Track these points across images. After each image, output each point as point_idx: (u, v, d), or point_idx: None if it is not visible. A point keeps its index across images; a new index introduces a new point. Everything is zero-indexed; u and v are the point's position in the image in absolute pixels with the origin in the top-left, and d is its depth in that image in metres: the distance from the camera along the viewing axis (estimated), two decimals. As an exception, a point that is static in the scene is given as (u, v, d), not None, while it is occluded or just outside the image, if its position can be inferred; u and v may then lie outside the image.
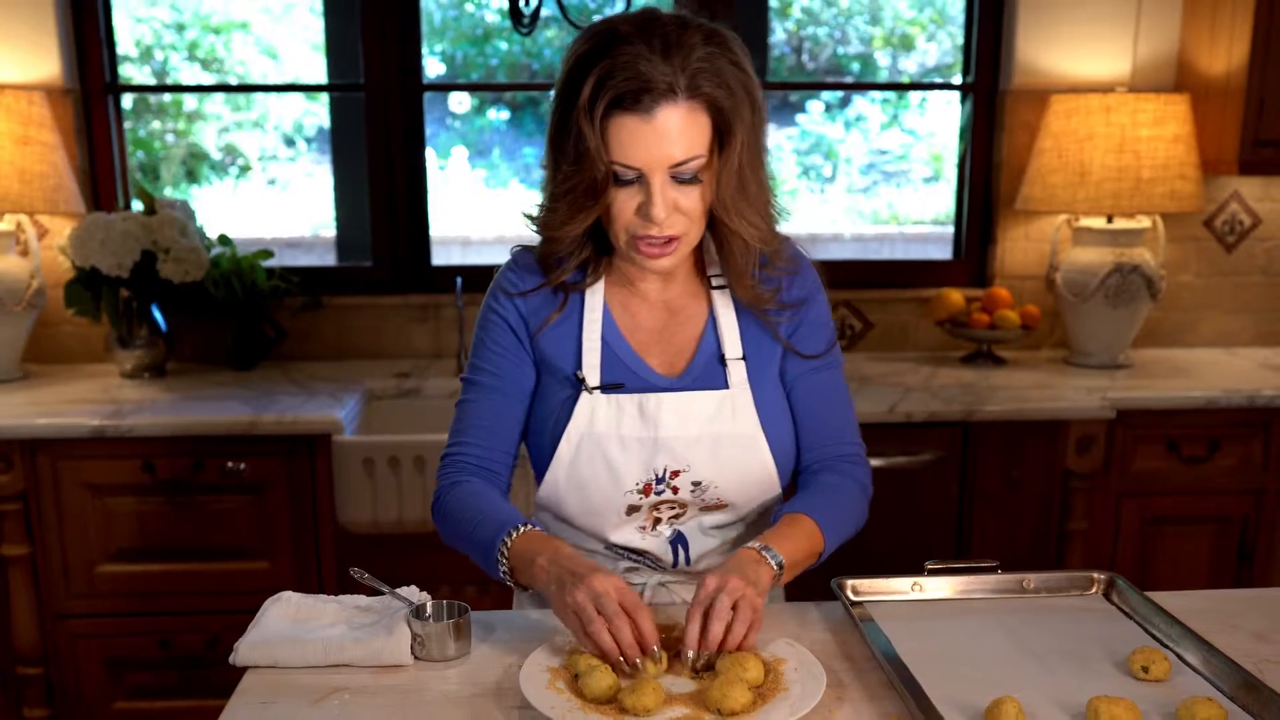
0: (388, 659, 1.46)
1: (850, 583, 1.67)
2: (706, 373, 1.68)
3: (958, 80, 3.75)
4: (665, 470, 1.65)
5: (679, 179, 1.53)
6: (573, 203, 1.55)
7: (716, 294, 1.71)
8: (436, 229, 3.65)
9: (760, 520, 1.76)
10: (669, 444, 1.64)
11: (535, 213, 1.65)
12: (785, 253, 1.71)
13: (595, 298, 1.70)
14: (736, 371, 1.68)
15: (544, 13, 3.15)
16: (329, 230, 6.36)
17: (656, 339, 1.71)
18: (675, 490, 1.66)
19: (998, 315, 3.44)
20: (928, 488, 3.04)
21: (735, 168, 1.55)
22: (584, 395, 1.65)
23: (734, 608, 1.43)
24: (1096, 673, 1.44)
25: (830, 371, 1.75)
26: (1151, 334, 3.68)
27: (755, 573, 1.49)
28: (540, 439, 1.70)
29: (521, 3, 3.00)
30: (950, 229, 3.82)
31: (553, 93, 1.57)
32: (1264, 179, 3.62)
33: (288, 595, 1.58)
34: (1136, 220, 3.42)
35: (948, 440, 3.03)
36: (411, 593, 1.58)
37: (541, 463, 1.70)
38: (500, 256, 1.84)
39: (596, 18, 2.90)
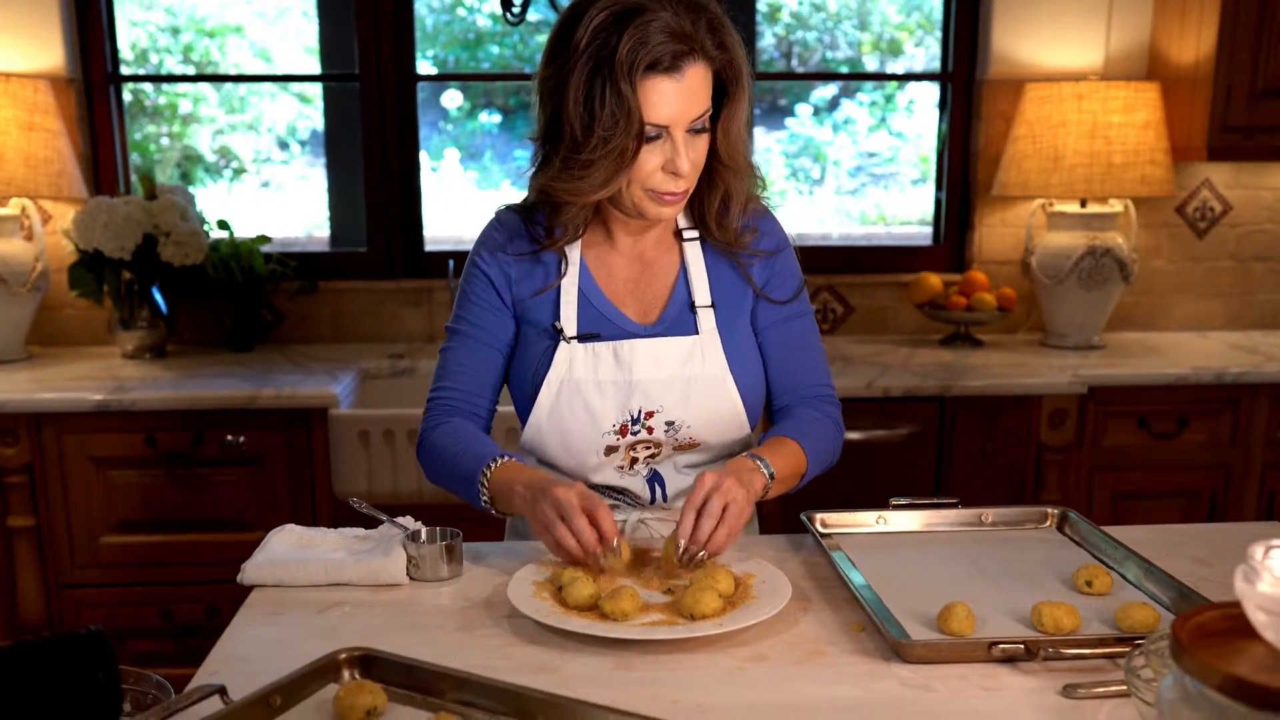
0: (385, 578, 1.56)
1: (819, 516, 1.78)
2: (679, 320, 1.80)
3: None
4: (640, 411, 1.76)
5: (691, 130, 1.65)
6: (608, 165, 1.63)
7: (687, 245, 1.83)
8: (429, 230, 3.75)
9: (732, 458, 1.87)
10: (643, 386, 1.75)
11: (555, 182, 1.68)
12: (756, 200, 1.84)
13: (573, 253, 1.80)
14: (706, 318, 1.79)
15: (533, 16, 3.26)
16: (322, 230, 6.46)
17: (631, 290, 1.82)
18: (650, 430, 1.77)
19: (975, 298, 3.54)
20: (905, 460, 3.14)
21: (741, 118, 1.69)
22: (562, 344, 1.76)
23: (723, 509, 1.54)
24: (1044, 588, 1.54)
25: (803, 319, 1.86)
26: (1125, 318, 3.79)
27: (750, 478, 1.61)
28: (522, 387, 1.81)
29: (512, -7, 3.10)
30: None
31: (558, 65, 1.62)
32: (1234, 166, 3.73)
33: (290, 526, 1.69)
34: (1109, 205, 3.53)
35: (925, 415, 3.13)
36: (407, 522, 1.68)
37: (524, 409, 1.81)
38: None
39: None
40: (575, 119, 1.62)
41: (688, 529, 1.54)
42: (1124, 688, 1.22)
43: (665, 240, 1.84)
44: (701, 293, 1.81)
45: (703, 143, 1.67)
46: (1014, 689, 1.29)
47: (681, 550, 1.54)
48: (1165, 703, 0.97)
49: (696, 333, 1.79)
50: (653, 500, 1.84)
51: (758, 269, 1.83)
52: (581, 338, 1.77)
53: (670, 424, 1.77)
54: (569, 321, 1.77)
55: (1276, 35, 3.29)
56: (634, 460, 1.81)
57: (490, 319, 1.81)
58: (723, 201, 1.78)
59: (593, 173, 1.63)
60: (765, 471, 1.65)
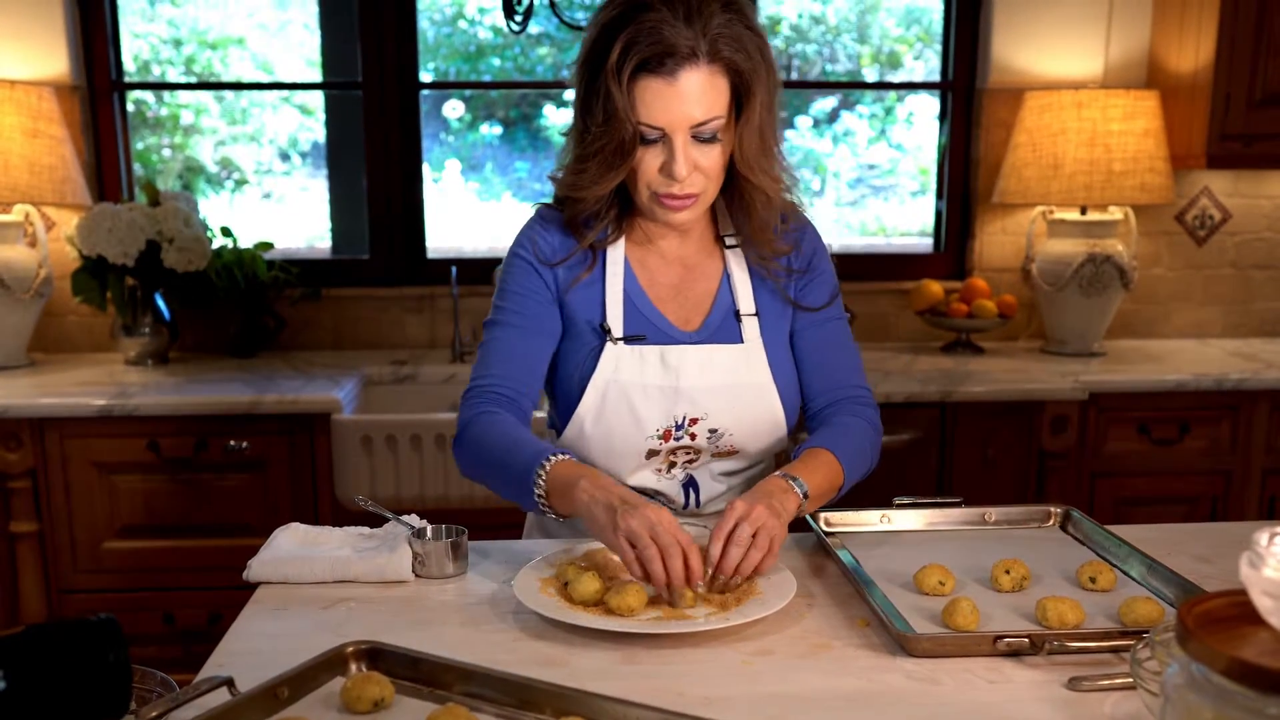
0: (390, 575, 1.57)
1: (824, 514, 1.78)
2: (722, 327, 1.80)
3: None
4: (685, 418, 1.76)
5: (699, 138, 1.65)
6: (602, 162, 1.65)
7: (730, 253, 1.83)
8: (431, 241, 3.77)
9: (767, 468, 1.89)
10: (689, 393, 1.75)
11: (561, 176, 1.75)
12: (796, 211, 1.84)
13: (616, 253, 1.80)
14: (750, 327, 1.80)
15: (534, 29, 3.27)
16: (323, 242, 6.48)
17: (674, 294, 1.82)
18: (693, 436, 1.78)
19: (976, 305, 3.55)
20: (907, 467, 3.15)
21: (756, 126, 1.67)
22: (609, 345, 1.76)
23: (754, 535, 1.51)
24: (1048, 584, 1.55)
25: (837, 322, 1.87)
26: (1126, 325, 3.80)
27: (782, 501, 1.58)
28: (567, 387, 1.80)
29: (514, 1, 3.12)
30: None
31: (577, 60, 1.68)
32: (1234, 174, 3.75)
33: (295, 525, 1.69)
34: (1109, 212, 3.54)
35: (926, 421, 3.14)
36: (413, 519, 1.68)
37: (567, 409, 1.79)
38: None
39: (580, 16, 3.03)
40: (579, 118, 1.67)
41: (715, 556, 1.50)
42: (1129, 680, 1.22)
43: (707, 246, 1.85)
44: (745, 301, 1.81)
45: (713, 151, 1.66)
46: (1019, 682, 1.29)
47: (709, 579, 1.50)
48: (1171, 688, 0.97)
49: (741, 341, 1.79)
50: (686, 505, 1.84)
51: (794, 281, 1.84)
52: (628, 339, 1.77)
53: (713, 431, 1.78)
54: (615, 322, 1.77)
55: (1275, 44, 3.31)
56: (672, 464, 1.81)
57: (533, 306, 1.78)
58: (750, 214, 1.76)
59: (588, 169, 1.67)
60: (798, 490, 1.62)
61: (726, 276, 1.83)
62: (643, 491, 1.81)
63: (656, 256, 1.83)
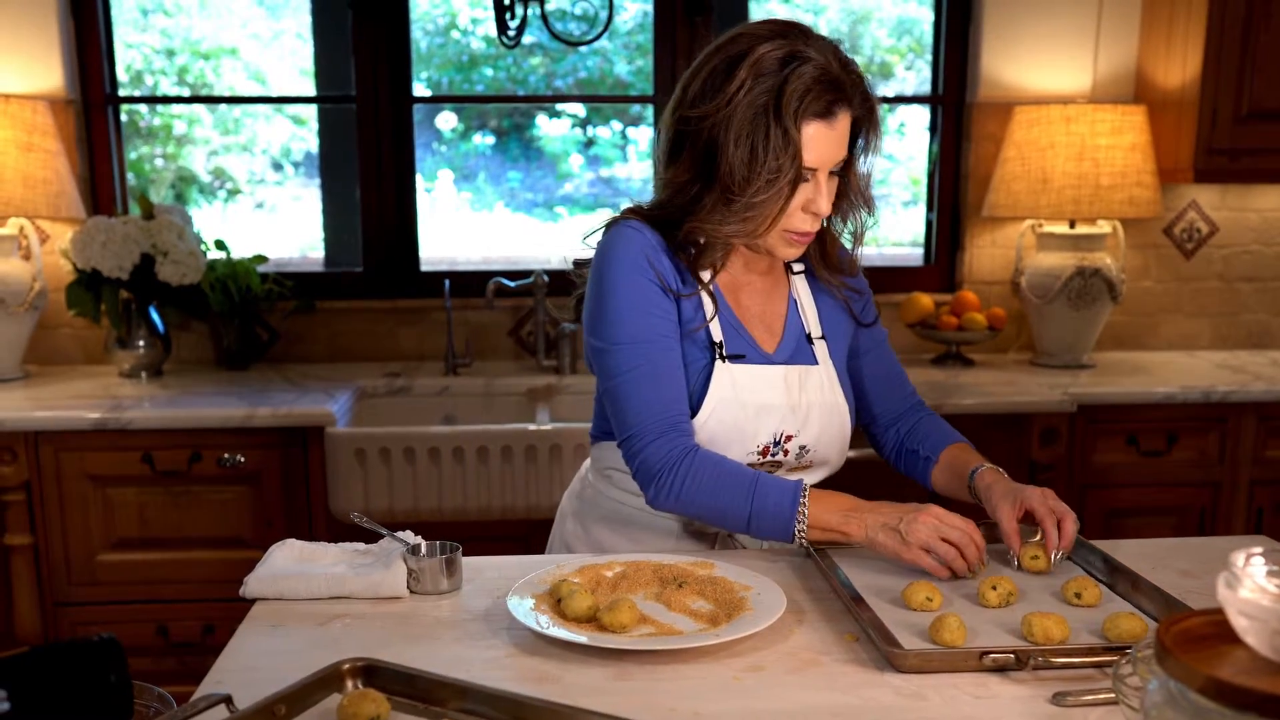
0: (385, 591, 1.59)
1: (814, 531, 1.80)
2: (798, 349, 1.88)
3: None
4: (782, 435, 1.83)
5: (831, 173, 1.74)
6: (771, 205, 1.70)
7: (796, 279, 1.92)
8: (424, 250, 3.78)
9: (826, 480, 1.95)
10: (787, 411, 1.82)
11: (722, 226, 1.73)
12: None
13: (706, 277, 1.84)
14: (821, 349, 1.89)
15: (527, 39, 3.29)
16: (316, 251, 6.49)
17: (757, 318, 1.89)
18: (785, 453, 1.84)
19: (965, 318, 3.58)
20: (898, 479, 3.15)
21: (871, 159, 1.80)
22: (719, 363, 1.80)
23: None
24: (1034, 600, 1.58)
25: (888, 342, 2.01)
26: (1114, 337, 3.82)
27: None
28: None
29: (508, 16, 3.15)
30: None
31: (704, 104, 1.70)
32: (1221, 188, 3.78)
33: (291, 540, 1.71)
34: (1097, 226, 3.57)
35: (916, 433, 3.15)
36: (408, 536, 1.70)
37: None
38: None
39: (573, 28, 3.03)
40: (736, 160, 1.67)
41: (1054, 539, 1.69)
42: (1112, 695, 1.24)
43: (776, 272, 1.92)
44: (814, 325, 1.90)
45: (835, 184, 1.76)
46: (1004, 697, 1.31)
47: (1058, 558, 1.69)
48: (1151, 706, 1.00)
49: (815, 361, 1.87)
50: None
51: (857, 302, 1.94)
52: (733, 358, 1.81)
53: (803, 448, 1.85)
54: (720, 341, 1.83)
55: (1261, 59, 3.35)
56: None
57: (670, 326, 1.78)
58: (855, 238, 1.88)
59: (758, 213, 1.70)
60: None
61: (794, 302, 1.91)
62: None
63: (739, 282, 1.89)
